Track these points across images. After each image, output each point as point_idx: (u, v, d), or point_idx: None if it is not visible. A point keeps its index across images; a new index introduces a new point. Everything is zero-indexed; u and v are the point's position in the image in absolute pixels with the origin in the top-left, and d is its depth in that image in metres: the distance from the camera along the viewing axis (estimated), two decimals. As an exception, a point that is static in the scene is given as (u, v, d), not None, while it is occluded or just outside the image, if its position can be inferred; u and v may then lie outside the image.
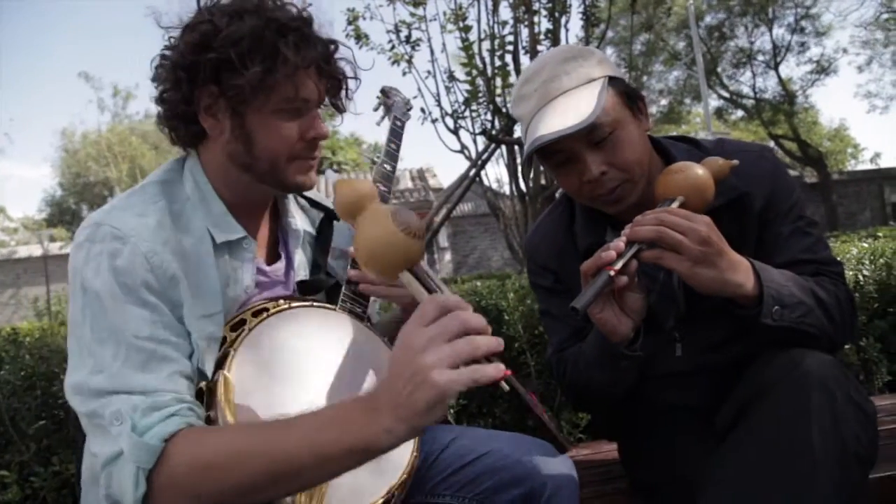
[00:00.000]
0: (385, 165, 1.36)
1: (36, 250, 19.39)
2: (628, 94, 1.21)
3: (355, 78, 1.14)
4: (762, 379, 1.06)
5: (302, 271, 1.21)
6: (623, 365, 1.20)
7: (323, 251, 1.25)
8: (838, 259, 1.27)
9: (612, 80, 1.20)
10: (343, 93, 1.13)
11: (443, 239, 17.36)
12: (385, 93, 1.55)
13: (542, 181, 5.15)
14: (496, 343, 0.79)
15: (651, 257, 1.06)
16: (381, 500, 1.02)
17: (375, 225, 0.89)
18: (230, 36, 0.98)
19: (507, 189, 5.61)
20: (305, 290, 1.20)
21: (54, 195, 31.20)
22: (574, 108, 1.14)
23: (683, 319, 1.29)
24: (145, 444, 0.87)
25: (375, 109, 1.53)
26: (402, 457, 1.07)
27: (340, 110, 1.16)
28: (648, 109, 1.27)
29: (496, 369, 0.77)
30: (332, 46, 1.07)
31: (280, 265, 1.19)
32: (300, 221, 1.24)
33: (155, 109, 1.09)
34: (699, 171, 1.13)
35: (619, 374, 1.22)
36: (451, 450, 1.17)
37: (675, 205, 1.11)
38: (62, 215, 30.36)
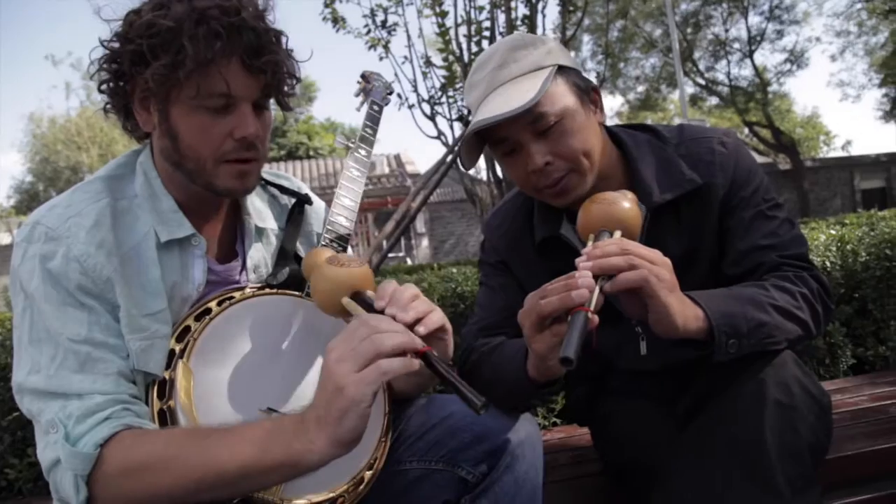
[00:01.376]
0: (360, 151, 1.35)
1: (4, 238, 18.98)
2: (579, 85, 1.20)
3: (291, 75, 1.08)
4: (722, 370, 1.07)
5: (262, 269, 1.19)
6: (532, 399, 1.17)
7: (291, 239, 1.24)
8: (803, 238, 1.24)
9: (563, 70, 1.19)
10: (281, 88, 1.07)
11: (420, 224, 17.35)
12: (365, 77, 1.52)
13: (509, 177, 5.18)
14: (406, 339, 0.85)
15: (625, 282, 0.96)
16: (344, 487, 1.03)
17: (313, 270, 1.03)
18: (146, 26, 0.96)
19: (484, 175, 5.62)
20: (282, 286, 1.17)
21: (23, 181, 30.55)
22: (518, 94, 1.13)
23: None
24: (79, 452, 0.90)
25: (356, 95, 1.50)
26: (369, 441, 1.08)
27: (285, 108, 1.12)
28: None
29: (403, 361, 0.84)
30: (265, 38, 1.01)
31: (235, 264, 1.17)
32: (261, 217, 1.22)
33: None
34: (626, 205, 1.06)
35: (524, 401, 1.17)
36: (413, 419, 1.18)
37: (616, 235, 1.03)
38: (31, 202, 29.72)
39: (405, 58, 5.13)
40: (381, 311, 0.93)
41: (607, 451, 1.44)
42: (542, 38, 1.22)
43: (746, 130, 22.51)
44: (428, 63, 5.11)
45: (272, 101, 1.10)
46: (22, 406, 0.98)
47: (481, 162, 5.33)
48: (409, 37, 5.12)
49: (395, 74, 5.11)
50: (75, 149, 25.98)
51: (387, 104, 1.50)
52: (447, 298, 2.16)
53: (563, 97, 1.16)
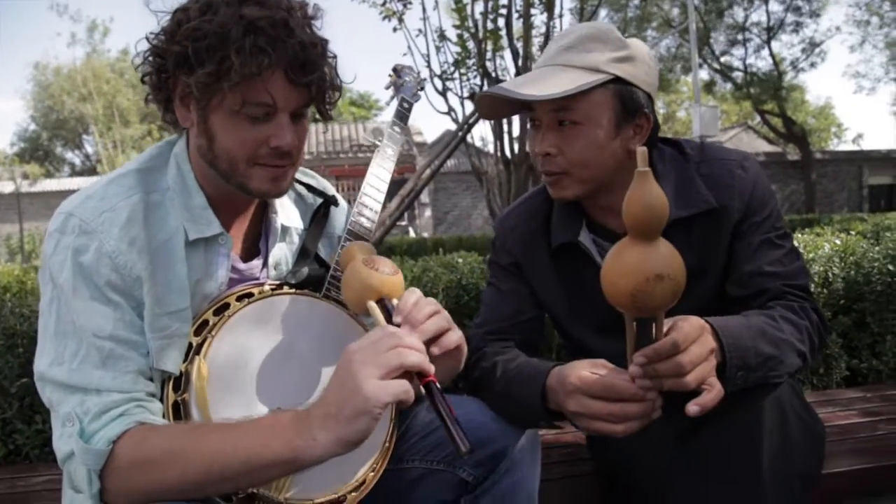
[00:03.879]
0: (387, 149, 1.33)
1: (8, 186, 18.98)
2: (626, 105, 1.19)
3: (334, 88, 1.08)
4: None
5: (283, 267, 1.20)
6: (539, 423, 1.18)
7: (313, 240, 1.25)
8: (807, 270, 1.27)
9: (618, 84, 1.18)
10: (323, 99, 1.07)
11: (423, 194, 17.31)
12: (396, 71, 1.48)
13: (527, 148, 5.17)
14: (425, 363, 0.89)
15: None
16: (354, 484, 1.06)
17: (349, 264, 1.07)
18: (193, 30, 0.96)
19: (490, 148, 5.62)
20: (301, 286, 1.19)
21: (27, 129, 30.38)
22: (558, 82, 1.15)
23: None
24: (92, 449, 0.93)
25: (387, 88, 1.47)
26: (377, 439, 1.10)
27: (325, 118, 1.13)
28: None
29: (413, 386, 0.88)
30: (312, 52, 1.00)
31: (257, 262, 1.19)
32: (287, 216, 1.23)
33: (132, 47, 1.07)
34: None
35: (533, 424, 1.18)
36: (417, 419, 1.20)
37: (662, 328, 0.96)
38: (35, 151, 29.61)
39: (419, 31, 5.10)
40: (397, 325, 0.96)
41: (604, 460, 1.46)
42: (625, 43, 1.20)
43: (758, 118, 22.31)
44: (442, 37, 5.07)
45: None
46: (43, 395, 1.01)
47: (489, 135, 5.31)
48: (424, 9, 5.08)
49: (409, 47, 5.10)
50: (80, 99, 25.80)
51: (417, 100, 1.46)
52: (451, 290, 2.17)
53: (598, 108, 1.17)
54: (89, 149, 30.59)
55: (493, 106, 1.26)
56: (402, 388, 0.87)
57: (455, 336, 1.01)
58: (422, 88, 1.48)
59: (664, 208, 0.84)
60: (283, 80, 0.99)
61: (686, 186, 1.24)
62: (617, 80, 1.17)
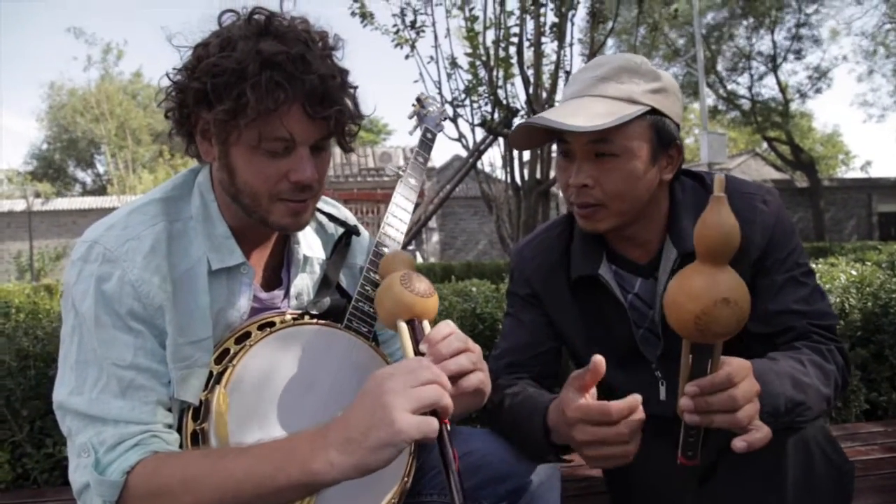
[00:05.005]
0: (410, 179, 1.34)
1: (19, 204, 19.13)
2: (662, 137, 1.19)
3: (354, 119, 1.08)
4: None
5: (304, 297, 1.21)
6: (548, 458, 1.16)
7: (335, 270, 1.25)
8: (832, 309, 1.25)
9: (654, 116, 1.18)
10: (343, 132, 1.07)
11: (432, 221, 17.36)
12: (420, 101, 1.50)
13: (538, 175, 5.18)
14: (451, 405, 0.88)
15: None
16: None
17: (386, 276, 1.07)
18: (211, 66, 0.97)
19: (499, 174, 5.62)
20: (322, 316, 1.19)
21: (41, 148, 30.76)
22: (595, 113, 1.15)
23: (664, 357, 1.29)
24: (106, 480, 0.93)
25: (410, 117, 1.48)
26: (397, 469, 1.09)
27: (346, 150, 1.12)
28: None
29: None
30: (331, 84, 1.00)
31: (279, 292, 1.19)
32: (309, 246, 1.23)
33: (145, 69, 1.09)
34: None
35: (542, 457, 1.17)
36: (435, 452, 1.20)
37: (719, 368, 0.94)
38: (47, 169, 29.93)
39: (431, 58, 5.14)
40: (423, 354, 0.96)
41: (620, 489, 1.44)
42: (657, 74, 1.21)
43: (765, 145, 22.36)
44: (454, 64, 5.11)
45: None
46: (62, 424, 1.00)
47: (497, 160, 5.33)
48: (436, 37, 5.12)
49: (420, 74, 5.11)
50: (92, 119, 26.12)
51: (440, 131, 1.47)
52: (466, 318, 2.17)
53: (635, 140, 1.17)
54: (100, 168, 30.97)
55: (529, 136, 1.26)
56: (431, 427, 0.85)
57: (475, 379, 0.99)
58: (445, 118, 1.49)
59: (737, 235, 0.85)
60: (300, 114, 0.99)
61: None
62: (653, 111, 1.18)
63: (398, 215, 1.30)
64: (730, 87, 21.53)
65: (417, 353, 0.98)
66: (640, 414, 0.97)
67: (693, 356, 0.93)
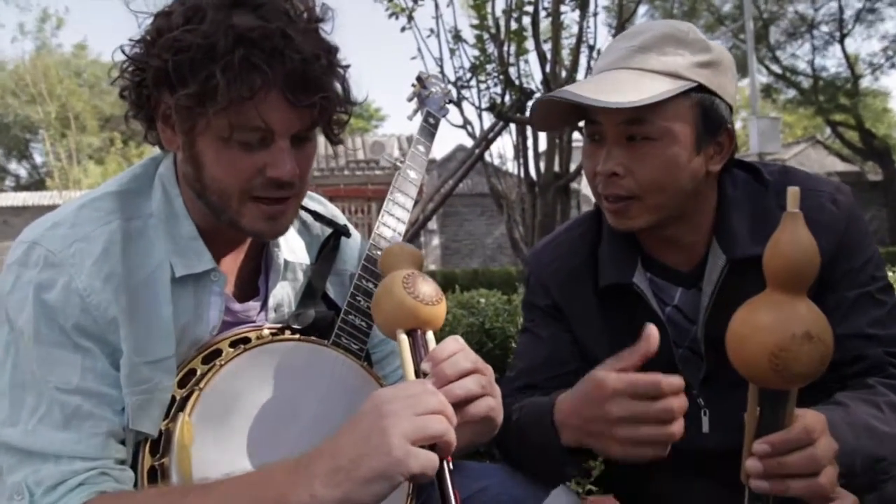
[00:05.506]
0: (409, 172, 1.35)
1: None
2: (709, 120, 1.18)
3: (342, 108, 1.08)
4: None
5: (285, 308, 1.22)
6: (567, 467, 1.16)
7: (321, 277, 1.25)
8: None
9: (701, 93, 1.18)
10: (330, 120, 1.07)
11: (432, 221, 17.40)
12: (421, 81, 1.50)
13: (556, 168, 5.21)
14: (454, 440, 0.89)
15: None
16: None
17: (387, 273, 1.07)
18: (174, 41, 0.95)
19: (510, 166, 5.65)
20: (306, 331, 1.19)
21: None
22: (632, 88, 1.14)
23: (707, 381, 1.29)
24: None
25: (409, 99, 1.49)
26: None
27: (334, 141, 1.14)
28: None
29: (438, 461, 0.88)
30: (315, 66, 0.98)
31: (255, 303, 1.20)
32: (291, 249, 1.23)
33: (91, 41, 1.08)
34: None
35: (558, 469, 1.17)
36: (435, 494, 1.21)
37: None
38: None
39: (431, 31, 5.19)
40: (425, 374, 0.97)
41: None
42: (707, 45, 1.20)
43: (829, 131, 22.37)
44: (457, 38, 5.16)
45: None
46: None
47: (508, 151, 5.35)
48: (437, 5, 5.16)
49: (418, 49, 5.17)
50: (27, 101, 26.17)
51: (444, 115, 1.48)
52: (472, 334, 2.20)
53: (677, 121, 1.16)
54: (38, 158, 31.11)
55: (550, 114, 1.26)
56: (433, 463, 0.86)
57: (483, 406, 1.00)
58: (450, 101, 1.50)
59: (817, 257, 0.84)
60: (279, 100, 0.98)
61: (762, 220, 1.22)
62: (700, 88, 1.17)
63: (395, 214, 1.30)
64: (785, 61, 21.58)
65: (418, 371, 0.99)
66: (684, 399, 0.98)
67: (763, 402, 0.90)
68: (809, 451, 0.89)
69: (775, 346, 0.83)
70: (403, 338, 1.02)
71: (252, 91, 0.95)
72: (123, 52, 1.04)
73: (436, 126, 1.45)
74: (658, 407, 0.97)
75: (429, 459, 0.86)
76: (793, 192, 0.86)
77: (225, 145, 1.00)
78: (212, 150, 1.01)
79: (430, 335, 1.04)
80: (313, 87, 0.99)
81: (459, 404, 0.96)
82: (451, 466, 0.91)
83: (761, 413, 0.90)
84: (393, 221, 1.29)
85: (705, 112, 1.18)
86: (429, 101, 1.47)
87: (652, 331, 0.99)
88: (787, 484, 0.89)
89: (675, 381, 0.97)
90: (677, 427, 0.98)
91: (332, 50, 1.05)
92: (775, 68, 21.59)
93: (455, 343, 1.01)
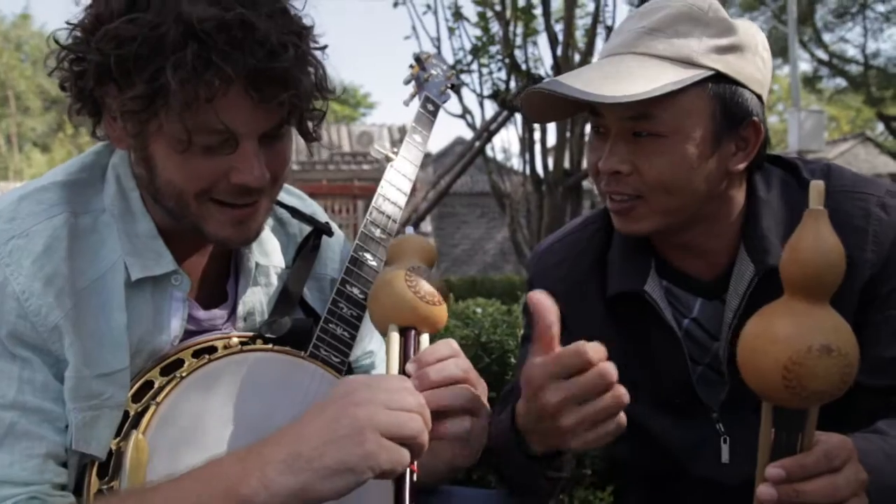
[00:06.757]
0: (403, 165, 1.36)
1: None
2: (729, 113, 1.18)
3: (319, 98, 1.09)
4: None
5: (256, 317, 1.23)
6: (542, 484, 1.18)
7: (298, 281, 1.27)
8: None
9: (719, 82, 1.17)
10: (302, 115, 1.07)
11: (426, 222, 17.40)
12: (420, 61, 1.51)
13: (566, 164, 5.24)
14: (426, 444, 0.91)
15: None
16: None
17: (391, 263, 1.12)
18: (114, 34, 0.94)
19: (515, 162, 5.68)
20: (280, 341, 1.20)
21: None
22: (637, 78, 1.14)
23: (728, 405, 1.30)
24: None
25: (407, 82, 1.50)
26: None
27: (308, 138, 1.13)
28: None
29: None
30: (282, 57, 0.97)
31: (221, 311, 1.21)
32: (264, 250, 1.25)
33: (34, 9, 1.07)
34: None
35: (533, 486, 1.19)
36: None
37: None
38: None
39: (428, 7, 5.22)
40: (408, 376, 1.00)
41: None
42: (730, 26, 1.19)
43: (881, 126, 22.43)
44: (457, 16, 5.19)
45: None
46: None
47: (513, 145, 5.38)
48: (435, -22, 5.19)
49: (413, 28, 5.22)
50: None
51: (445, 101, 1.49)
52: (468, 348, 2.21)
53: (689, 116, 1.17)
54: (-27, 146, 31.02)
55: (545, 105, 1.27)
56: (403, 461, 0.89)
57: (459, 427, 1.01)
58: (452, 86, 1.51)
59: (842, 261, 0.84)
60: (241, 99, 0.98)
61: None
62: (718, 76, 1.17)
63: (386, 211, 1.31)
64: (832, 45, 21.61)
65: (403, 373, 1.02)
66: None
67: (776, 426, 0.90)
68: (830, 478, 0.89)
69: (788, 360, 0.83)
70: (395, 335, 1.05)
71: (210, 92, 0.94)
72: (57, 41, 1.03)
73: (435, 113, 1.45)
74: (591, 376, 0.97)
75: (401, 456, 0.88)
76: (816, 187, 0.85)
77: (182, 149, 0.99)
78: (166, 154, 1.01)
79: (424, 338, 1.06)
80: (281, 82, 0.99)
81: (439, 414, 0.97)
82: (415, 478, 0.94)
83: (776, 435, 0.90)
84: (383, 219, 1.30)
85: (724, 104, 1.18)
86: (428, 85, 1.47)
87: (536, 296, 1.00)
88: None
89: (598, 345, 0.98)
90: (622, 392, 0.98)
91: (302, 33, 1.04)
92: (820, 54, 21.64)
93: (447, 347, 1.03)
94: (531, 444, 1.10)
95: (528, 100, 1.26)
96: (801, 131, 12.37)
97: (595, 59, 4.86)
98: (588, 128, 1.41)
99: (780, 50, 20.57)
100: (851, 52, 21.66)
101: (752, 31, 1.22)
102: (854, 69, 21.51)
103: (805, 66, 21.08)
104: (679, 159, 1.17)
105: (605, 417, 0.99)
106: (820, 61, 21.83)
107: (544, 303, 1.01)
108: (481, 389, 1.06)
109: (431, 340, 1.09)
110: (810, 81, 22.03)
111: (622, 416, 1.00)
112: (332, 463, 0.86)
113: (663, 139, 1.17)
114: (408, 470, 0.92)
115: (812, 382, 0.83)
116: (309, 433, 0.88)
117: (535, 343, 1.02)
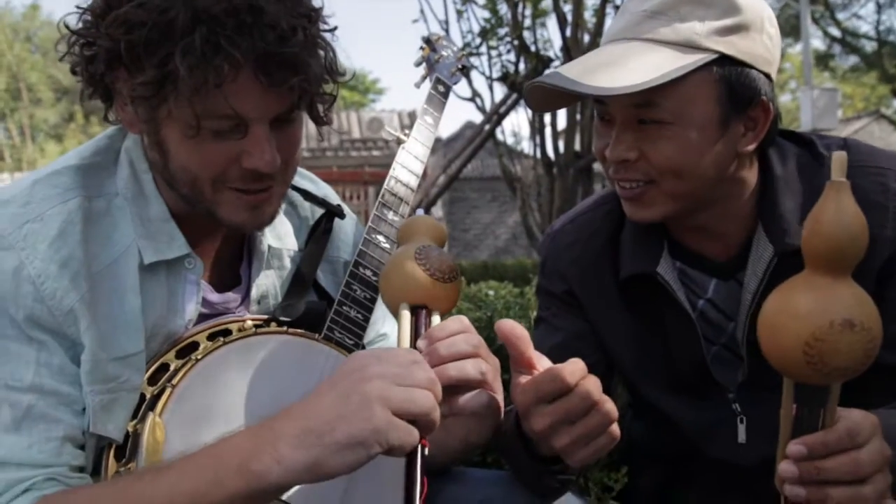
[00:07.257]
0: (414, 147, 1.36)
1: None
2: (735, 95, 1.17)
3: (330, 81, 1.09)
4: None
5: (270, 300, 1.24)
6: (549, 482, 1.18)
7: (311, 263, 1.28)
8: None
9: (724, 65, 1.16)
10: (313, 99, 1.07)
11: (436, 207, 17.40)
12: (430, 43, 1.51)
13: (577, 147, 5.23)
14: (437, 420, 0.91)
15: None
16: None
17: (401, 243, 1.12)
18: (124, 19, 0.95)
19: (525, 146, 5.67)
20: (295, 324, 1.21)
21: None
22: (635, 65, 1.14)
23: (745, 385, 1.30)
24: None
25: (417, 64, 1.51)
26: None
27: (318, 122, 1.13)
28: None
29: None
30: (292, 40, 0.98)
31: (235, 294, 1.22)
32: (277, 234, 1.25)
33: (44, 1, 1.07)
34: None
35: (539, 484, 1.20)
36: (441, 498, 1.23)
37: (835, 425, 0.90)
38: None
39: (435, -12, 5.20)
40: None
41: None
42: (735, 6, 1.16)
43: None
44: (465, -2, 5.17)
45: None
46: None
47: (524, 128, 5.38)
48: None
49: (421, 11, 5.19)
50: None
51: (456, 82, 1.49)
52: (480, 331, 2.21)
53: (695, 103, 1.16)
54: (-14, 137, 31.15)
55: (548, 96, 1.27)
56: (412, 439, 0.88)
57: (473, 402, 1.02)
58: (463, 68, 1.50)
59: (865, 235, 0.82)
60: (251, 83, 0.98)
61: (816, 201, 1.22)
62: (723, 58, 1.16)
63: (398, 193, 1.32)
64: (846, 22, 21.41)
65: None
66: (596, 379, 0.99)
67: (798, 403, 0.90)
68: (853, 454, 0.88)
69: (810, 336, 0.81)
70: (405, 313, 1.04)
71: (219, 77, 0.95)
72: (67, 27, 1.03)
73: (446, 94, 1.45)
74: (574, 399, 0.97)
75: (410, 434, 0.88)
76: (839, 157, 0.83)
77: (193, 134, 1.00)
78: (178, 139, 1.02)
79: (436, 318, 1.05)
80: (290, 66, 0.99)
81: (451, 390, 0.98)
82: (427, 452, 0.93)
83: (797, 411, 0.90)
84: (395, 201, 1.30)
85: (730, 87, 1.16)
86: (439, 67, 1.47)
87: (506, 326, 1.00)
88: (826, 492, 0.88)
89: (576, 365, 0.98)
90: (609, 407, 0.98)
91: (311, 16, 1.04)
92: (833, 31, 21.44)
93: (458, 323, 1.02)
94: (539, 444, 1.09)
95: (530, 92, 1.26)
96: (815, 109, 12.27)
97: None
98: (597, 110, 1.39)
99: (792, 28, 20.42)
100: (865, 28, 21.43)
101: (757, 8, 1.19)
102: (868, 46, 21.31)
103: (818, 43, 20.89)
104: (686, 145, 1.16)
105: (597, 434, 0.99)
106: (833, 38, 21.63)
107: (514, 332, 1.01)
108: (494, 364, 1.04)
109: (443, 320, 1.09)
110: (823, 59, 21.84)
111: (615, 429, 1.01)
112: (342, 438, 0.86)
113: (669, 126, 1.16)
114: (419, 445, 0.92)
115: (834, 358, 0.82)
116: (319, 408, 0.89)
117: (515, 364, 1.03)
